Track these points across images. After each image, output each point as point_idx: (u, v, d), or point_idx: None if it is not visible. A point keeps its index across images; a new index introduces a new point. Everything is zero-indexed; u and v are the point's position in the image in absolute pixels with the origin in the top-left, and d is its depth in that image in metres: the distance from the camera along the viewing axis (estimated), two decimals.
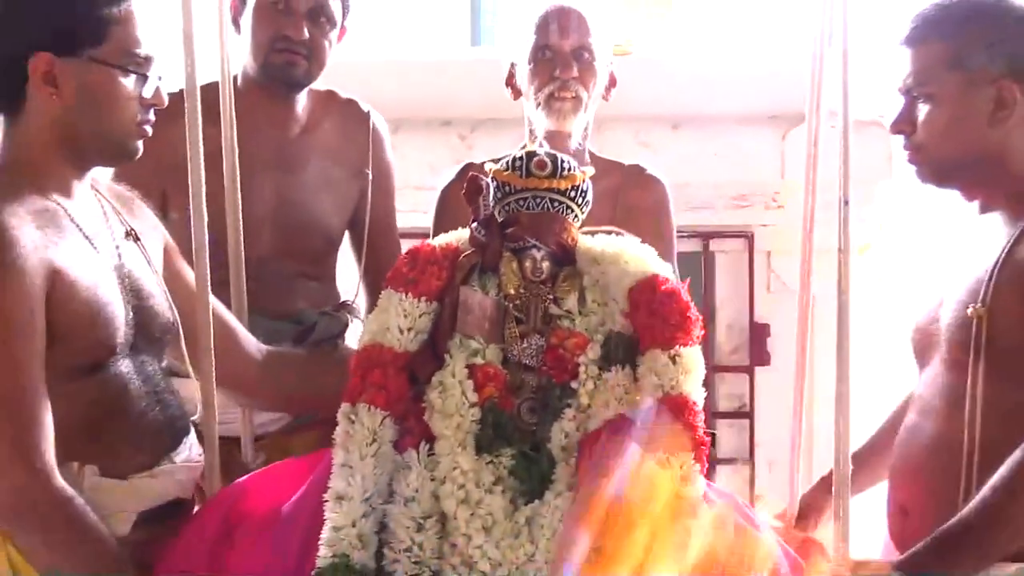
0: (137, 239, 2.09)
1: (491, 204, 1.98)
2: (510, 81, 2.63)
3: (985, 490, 1.91)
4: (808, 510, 2.29)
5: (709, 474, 1.88)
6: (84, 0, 1.96)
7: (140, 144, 2.04)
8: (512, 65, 2.63)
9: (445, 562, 1.80)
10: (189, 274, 2.14)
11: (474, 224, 1.99)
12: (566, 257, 1.97)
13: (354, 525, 1.80)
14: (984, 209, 2.11)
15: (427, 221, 2.67)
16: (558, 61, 2.52)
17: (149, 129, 2.04)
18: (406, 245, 2.77)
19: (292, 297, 2.73)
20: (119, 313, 1.98)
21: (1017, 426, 1.93)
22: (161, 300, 2.08)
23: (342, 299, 2.84)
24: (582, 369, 1.89)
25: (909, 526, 2.09)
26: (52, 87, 1.96)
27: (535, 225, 1.95)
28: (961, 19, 2.06)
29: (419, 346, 1.92)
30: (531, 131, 2.58)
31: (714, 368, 3.64)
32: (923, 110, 2.07)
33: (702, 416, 1.85)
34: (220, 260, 2.27)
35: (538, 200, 1.96)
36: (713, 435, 1.89)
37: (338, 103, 2.80)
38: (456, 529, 1.81)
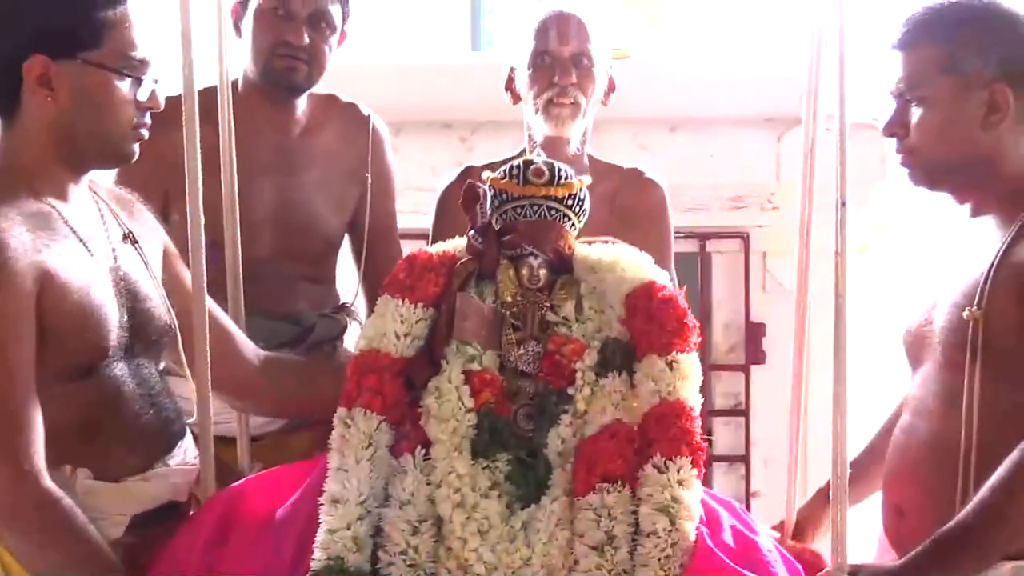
0: (135, 242, 2.05)
1: (488, 212, 1.95)
2: (509, 85, 2.60)
3: (983, 491, 1.88)
4: (805, 524, 2.26)
5: (706, 474, 1.84)
6: (80, 3, 1.93)
7: (136, 147, 2.01)
8: (511, 69, 2.59)
9: (440, 566, 1.77)
10: (188, 277, 2.09)
11: (471, 232, 1.95)
12: (563, 265, 1.93)
13: (349, 528, 1.77)
14: (976, 212, 2.08)
15: (428, 222, 2.64)
16: (557, 67, 2.49)
17: (145, 132, 2.00)
18: (407, 245, 2.79)
19: (291, 298, 2.70)
20: (112, 315, 1.94)
21: (1013, 427, 1.90)
22: (158, 303, 2.04)
23: (342, 301, 2.81)
24: (579, 375, 1.85)
25: (905, 526, 2.07)
26: (47, 90, 1.92)
27: (532, 233, 1.92)
28: (953, 23, 2.03)
29: (416, 352, 1.89)
30: (530, 136, 2.55)
31: (710, 367, 3.62)
32: (916, 113, 2.04)
33: (699, 422, 1.81)
34: (220, 262, 2.23)
35: (535, 208, 1.93)
36: (710, 441, 1.87)
37: (339, 107, 2.77)
38: (452, 532, 1.77)
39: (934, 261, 2.19)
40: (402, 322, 1.89)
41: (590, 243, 1.98)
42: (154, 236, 2.14)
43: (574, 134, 2.51)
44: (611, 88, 2.62)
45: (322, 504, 1.80)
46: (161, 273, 2.11)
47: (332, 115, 2.75)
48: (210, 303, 2.09)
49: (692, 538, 1.73)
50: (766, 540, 1.85)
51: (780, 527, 2.27)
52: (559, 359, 1.87)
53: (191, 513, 2.06)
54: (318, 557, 1.76)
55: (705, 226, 3.62)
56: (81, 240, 1.95)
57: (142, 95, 1.97)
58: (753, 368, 3.67)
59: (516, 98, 2.59)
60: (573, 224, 1.96)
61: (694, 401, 1.82)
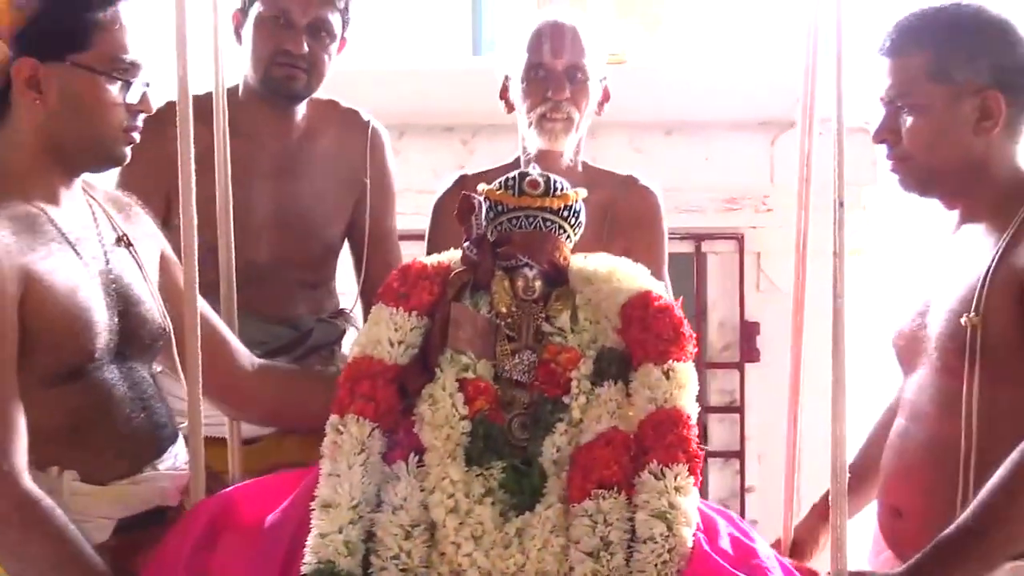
0: (129, 245, 2.00)
1: (484, 223, 1.90)
2: (504, 94, 2.54)
3: (984, 494, 1.85)
4: (803, 542, 2.20)
5: (702, 478, 1.78)
6: (68, 5, 1.88)
7: (127, 150, 1.96)
8: (506, 78, 2.53)
9: (433, 571, 1.71)
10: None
11: (466, 243, 1.91)
12: (559, 277, 1.89)
13: (341, 531, 1.71)
14: (965, 217, 2.05)
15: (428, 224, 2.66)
16: (551, 81, 2.43)
17: (136, 135, 1.95)
18: (409, 246, 2.76)
19: (290, 303, 2.66)
20: (101, 319, 1.89)
21: (1011, 429, 1.87)
22: (152, 306, 1.99)
23: (340, 306, 2.78)
24: (574, 384, 1.80)
25: (902, 527, 2.05)
26: (36, 92, 1.88)
27: (527, 243, 1.88)
28: (943, 30, 2.01)
29: (410, 360, 1.83)
30: (524, 147, 2.49)
31: (706, 365, 3.61)
32: (907, 120, 2.01)
33: (696, 430, 1.76)
34: (217, 267, 2.19)
35: (530, 219, 1.88)
36: (705, 443, 1.84)
37: (339, 112, 2.73)
38: (445, 537, 1.71)
39: (924, 264, 2.15)
40: (396, 329, 1.84)
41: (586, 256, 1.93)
42: (151, 239, 2.10)
43: (567, 147, 2.45)
44: (605, 98, 2.57)
45: (313, 509, 1.74)
46: (157, 276, 2.06)
47: (332, 121, 2.71)
48: (207, 308, 2.05)
49: (689, 544, 1.68)
50: (764, 547, 1.80)
51: (777, 545, 2.20)
52: (554, 368, 1.82)
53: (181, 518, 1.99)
54: (308, 561, 1.70)
55: (701, 227, 3.61)
56: (70, 243, 1.91)
57: (132, 98, 1.92)
58: (747, 366, 3.66)
59: (510, 107, 2.54)
60: (568, 236, 1.92)
61: (691, 409, 1.78)
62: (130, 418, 1.96)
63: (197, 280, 1.91)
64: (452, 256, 1.93)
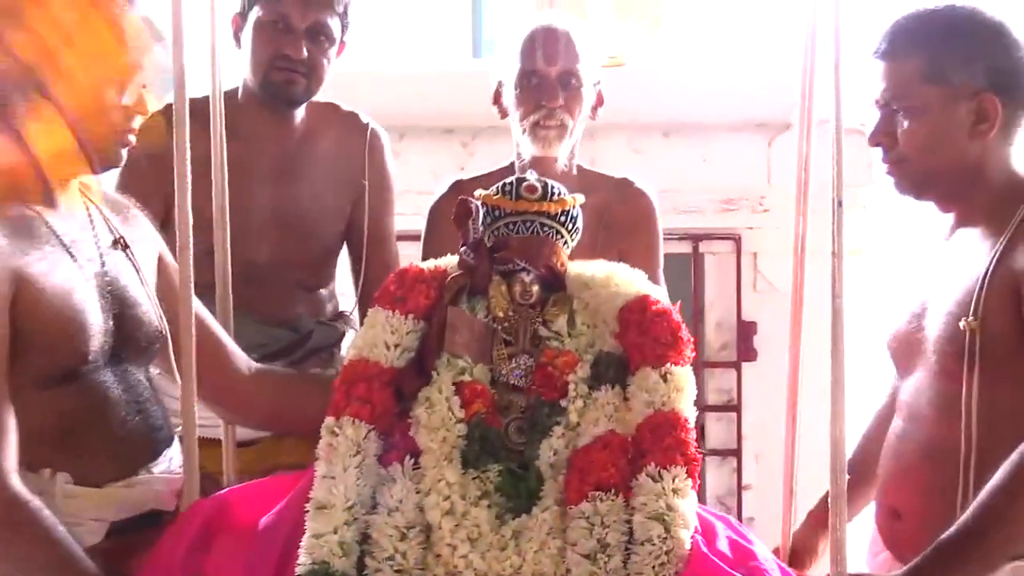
0: (126, 247, 1.96)
1: (480, 228, 1.86)
2: (497, 99, 2.49)
3: (984, 495, 1.80)
4: (801, 550, 2.15)
5: (700, 480, 1.75)
6: None
7: (124, 152, 1.92)
8: (499, 84, 2.48)
9: (428, 572, 1.66)
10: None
11: (463, 248, 1.86)
12: (556, 282, 1.84)
13: (336, 532, 1.66)
14: (960, 220, 2.02)
15: None
16: (544, 89, 2.38)
17: (132, 137, 1.91)
18: (409, 247, 2.76)
19: (290, 305, 2.62)
20: (95, 322, 1.85)
21: (1011, 431, 1.83)
22: (148, 309, 1.95)
23: (341, 309, 2.74)
24: (571, 387, 1.76)
25: (901, 528, 2.01)
26: None
27: (524, 248, 1.83)
28: (939, 32, 1.97)
29: (406, 363, 1.79)
30: (519, 153, 2.45)
31: (703, 364, 3.60)
32: (903, 123, 1.97)
33: (694, 434, 1.72)
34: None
35: (528, 224, 1.84)
36: (701, 445, 1.81)
37: (339, 115, 2.69)
38: (441, 539, 1.67)
39: (919, 266, 2.11)
40: (392, 332, 1.80)
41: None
42: (149, 242, 2.05)
43: (561, 154, 2.41)
44: (599, 102, 2.52)
45: (308, 511, 1.70)
46: (155, 279, 2.02)
47: (332, 123, 2.67)
48: (204, 312, 2.01)
49: (687, 546, 1.64)
50: (763, 550, 1.76)
51: (776, 553, 2.10)
52: (551, 371, 1.78)
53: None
54: (303, 562, 1.65)
55: (698, 228, 3.59)
56: (64, 246, 1.87)
57: (127, 99, 1.88)
58: (744, 365, 3.63)
59: (504, 113, 2.49)
60: (566, 242, 1.87)
61: (689, 413, 1.73)
62: (125, 421, 1.91)
63: (192, 282, 1.87)
64: (449, 261, 1.89)
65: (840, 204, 1.79)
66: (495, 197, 1.87)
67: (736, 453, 3.65)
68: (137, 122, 1.91)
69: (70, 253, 1.88)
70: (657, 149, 3.58)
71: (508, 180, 1.88)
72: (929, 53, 1.97)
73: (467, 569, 1.66)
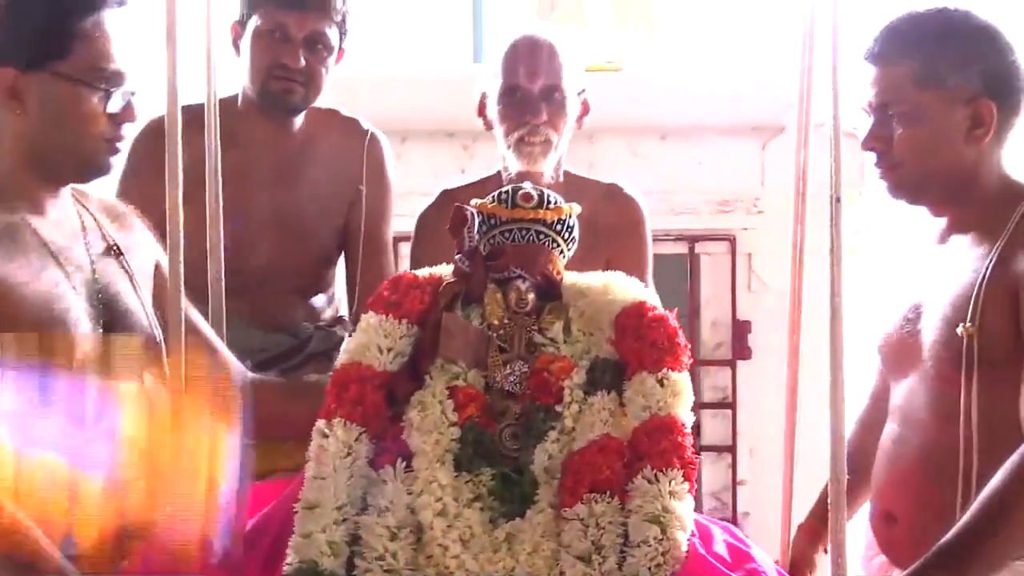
0: (119, 254, 1.90)
1: (476, 237, 1.81)
2: (481, 111, 2.45)
3: (984, 496, 1.76)
4: (800, 563, 2.09)
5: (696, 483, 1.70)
6: (48, 14, 1.78)
7: (112, 160, 1.86)
8: (483, 95, 2.43)
9: (419, 573, 1.60)
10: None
11: (458, 255, 1.81)
12: (552, 290, 1.79)
13: (324, 531, 1.60)
14: (953, 225, 1.97)
15: None
16: (527, 105, 2.32)
17: (121, 145, 1.85)
18: (408, 250, 2.78)
19: (288, 310, 2.58)
20: (83, 329, 1.79)
21: (1008, 434, 1.79)
22: (141, 316, 1.89)
23: (340, 314, 2.69)
24: (567, 392, 1.71)
25: (897, 533, 1.96)
26: (17, 102, 1.79)
27: (520, 256, 1.78)
28: (935, 37, 1.92)
29: (399, 367, 1.73)
30: (505, 166, 2.40)
31: (699, 362, 3.60)
32: (898, 128, 1.92)
33: (691, 439, 1.67)
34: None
35: (523, 232, 1.79)
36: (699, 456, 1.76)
37: (339, 121, 2.64)
38: (433, 540, 1.60)
39: (912, 268, 2.07)
40: (386, 336, 1.74)
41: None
42: (146, 249, 1.99)
43: (547, 168, 2.35)
44: (585, 111, 2.45)
45: (297, 511, 1.63)
46: (152, 286, 1.96)
47: (331, 129, 2.63)
48: (200, 321, 1.97)
49: (684, 548, 1.58)
50: (761, 554, 1.71)
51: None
52: (547, 376, 1.73)
53: None
54: (290, 561, 1.58)
55: (694, 229, 3.56)
56: (52, 253, 1.81)
57: (113, 107, 1.82)
58: (739, 363, 3.59)
59: (488, 125, 2.43)
60: (562, 250, 1.82)
61: (686, 418, 1.68)
62: None
63: (183, 290, 1.79)
64: (444, 269, 1.84)
65: (838, 201, 1.74)
66: (491, 205, 1.82)
67: (731, 449, 3.62)
68: (126, 130, 1.86)
69: (57, 260, 1.82)
70: (654, 152, 3.55)
71: (504, 189, 1.84)
72: (924, 57, 1.92)
73: (459, 570, 1.60)
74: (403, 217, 2.82)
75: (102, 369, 1.86)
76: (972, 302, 1.86)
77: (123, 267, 1.91)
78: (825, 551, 2.09)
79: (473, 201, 1.85)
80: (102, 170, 1.89)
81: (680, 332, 1.75)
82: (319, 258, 2.65)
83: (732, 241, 3.60)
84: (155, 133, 1.94)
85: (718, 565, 1.62)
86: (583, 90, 2.44)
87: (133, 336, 1.90)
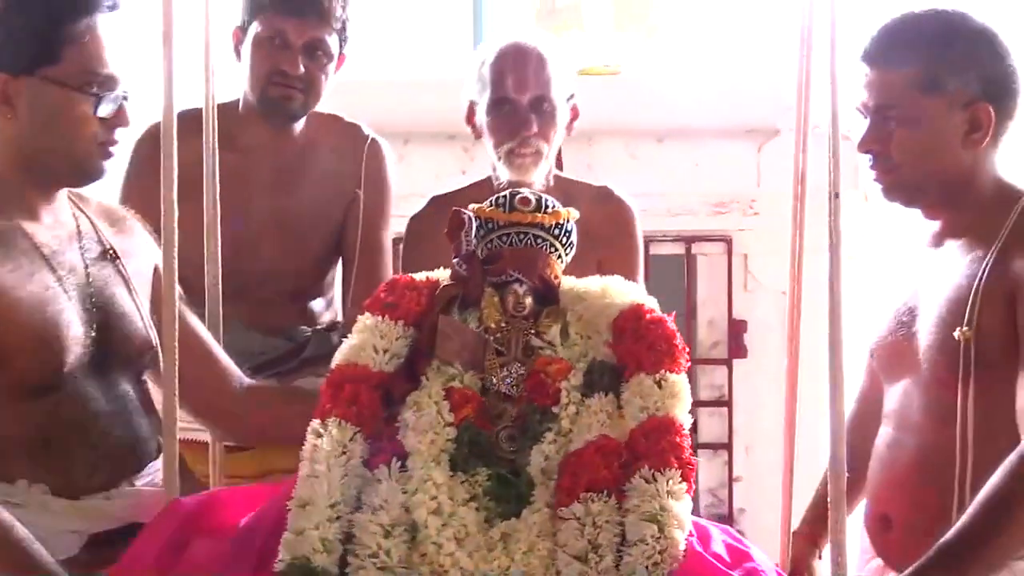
0: (115, 258, 1.85)
1: (474, 241, 1.75)
2: (470, 120, 2.38)
3: (984, 496, 1.70)
4: (799, 569, 2.02)
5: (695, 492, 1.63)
6: (38, 19, 1.73)
7: (105, 164, 1.81)
8: (471, 103, 2.36)
9: (413, 571, 1.52)
10: (182, 296, 1.89)
11: (455, 259, 1.75)
12: (550, 294, 1.73)
13: (317, 528, 1.52)
14: (947, 228, 1.92)
15: None
16: (517, 117, 2.25)
17: (114, 149, 1.80)
18: None
19: (287, 314, 2.53)
20: (74, 333, 1.75)
21: (1003, 438, 1.74)
22: (136, 320, 1.84)
23: (337, 318, 2.64)
24: (564, 394, 1.64)
25: (893, 537, 1.91)
26: (7, 107, 1.74)
27: (518, 259, 1.72)
28: (933, 40, 1.86)
29: (395, 369, 1.67)
30: (496, 175, 2.33)
31: (695, 361, 3.59)
32: (896, 131, 1.87)
33: (689, 440, 1.60)
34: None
35: (521, 236, 1.73)
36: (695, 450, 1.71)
37: (340, 126, 2.59)
38: (427, 538, 1.53)
39: (905, 271, 2.02)
40: (382, 337, 1.68)
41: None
42: (146, 253, 1.93)
43: (537, 177, 2.28)
44: (574, 117, 2.38)
45: (290, 509, 1.56)
46: (150, 290, 1.91)
47: (332, 134, 2.57)
48: (198, 326, 1.92)
49: (682, 547, 1.51)
50: (760, 555, 1.64)
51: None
52: (543, 378, 1.66)
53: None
54: (282, 558, 1.50)
55: (691, 230, 3.54)
56: (44, 257, 1.77)
57: (104, 112, 1.77)
58: (735, 362, 3.57)
59: (478, 133, 2.36)
60: (560, 255, 1.77)
61: (684, 419, 1.61)
62: (107, 432, 1.80)
63: (176, 292, 1.76)
64: (441, 274, 1.78)
65: (837, 196, 1.68)
66: (488, 209, 1.76)
67: (727, 447, 3.60)
68: (119, 134, 1.81)
69: (49, 264, 1.78)
70: (651, 154, 3.52)
71: (502, 193, 1.78)
72: (924, 62, 1.87)
73: (453, 568, 1.53)
74: (404, 218, 2.79)
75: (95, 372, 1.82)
76: (969, 305, 1.81)
77: (119, 271, 1.86)
78: (820, 557, 2.06)
79: (472, 205, 1.80)
80: (95, 174, 1.84)
81: (678, 335, 1.69)
82: (318, 262, 2.59)
83: (728, 242, 3.58)
84: (156, 137, 1.85)
85: (717, 564, 1.56)
86: (572, 95, 2.37)
87: (128, 339, 1.86)
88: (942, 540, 1.73)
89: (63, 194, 1.87)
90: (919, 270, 1.98)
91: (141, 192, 2.15)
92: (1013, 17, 2.43)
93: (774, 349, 3.50)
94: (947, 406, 1.84)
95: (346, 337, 1.73)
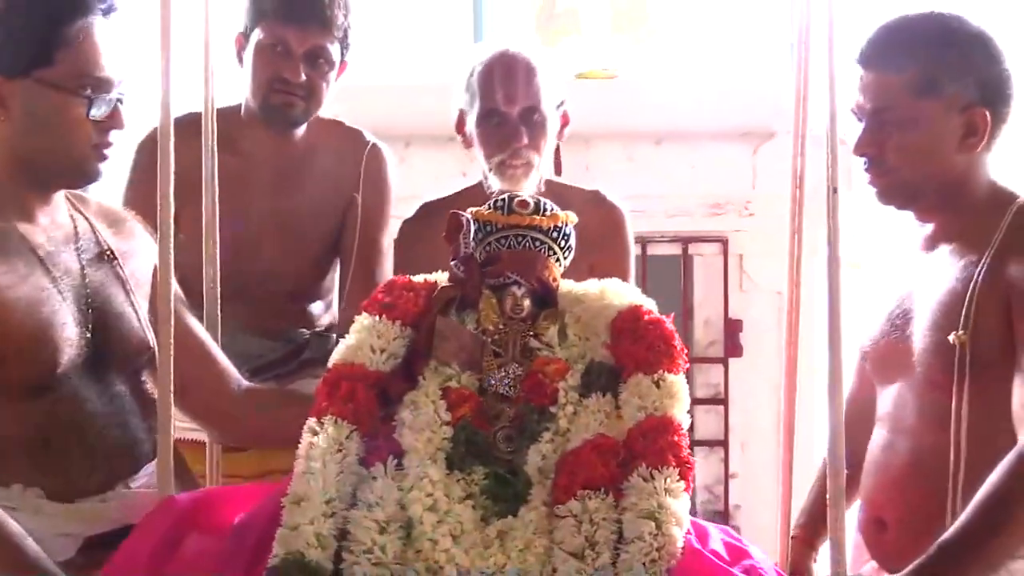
0: (113, 259, 1.82)
1: (472, 245, 1.71)
2: (460, 128, 2.33)
3: (982, 496, 1.67)
4: (798, 572, 1.97)
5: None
6: (32, 22, 1.70)
7: (100, 166, 1.77)
8: (461, 112, 2.31)
9: (408, 567, 1.48)
10: (181, 298, 1.87)
11: (453, 262, 1.71)
12: (548, 296, 1.69)
13: (312, 523, 1.48)
14: (941, 231, 1.89)
15: None
16: (507, 128, 2.20)
17: (109, 152, 1.77)
18: None
19: (286, 316, 2.50)
20: (68, 334, 1.71)
21: (998, 441, 1.70)
22: (133, 320, 1.81)
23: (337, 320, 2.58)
24: (561, 394, 1.60)
25: (888, 539, 1.87)
26: (2, 108, 1.71)
27: (516, 261, 1.68)
28: (931, 44, 1.83)
29: (392, 368, 1.64)
30: (487, 184, 2.28)
31: (692, 360, 3.57)
32: (892, 134, 1.83)
33: (688, 440, 1.56)
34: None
35: (519, 238, 1.69)
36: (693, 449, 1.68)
37: (341, 131, 2.56)
38: (422, 534, 1.49)
39: (898, 274, 1.98)
40: (379, 337, 1.64)
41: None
42: (146, 254, 1.89)
43: (528, 187, 2.22)
44: (565, 123, 2.33)
45: (284, 505, 1.51)
46: (150, 291, 1.88)
47: (333, 139, 2.54)
48: (198, 327, 1.89)
49: (680, 544, 1.47)
50: (759, 553, 1.59)
51: None
52: (541, 378, 1.62)
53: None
54: (276, 553, 1.46)
55: (687, 231, 3.53)
56: (39, 258, 1.74)
57: (97, 114, 1.73)
58: (731, 361, 3.56)
59: (468, 143, 2.31)
60: (558, 258, 1.73)
61: (682, 419, 1.57)
62: (102, 434, 1.76)
63: (172, 294, 1.71)
64: (439, 276, 1.74)
65: (835, 191, 1.63)
66: (487, 212, 1.72)
67: (723, 444, 3.59)
68: (114, 136, 1.77)
69: (45, 266, 1.75)
70: (649, 157, 3.51)
71: (500, 198, 1.75)
72: (921, 66, 1.83)
73: (448, 564, 1.48)
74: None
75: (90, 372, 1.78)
76: (964, 309, 1.78)
77: (117, 272, 1.83)
78: (816, 560, 2.03)
79: (470, 209, 1.76)
80: (91, 176, 1.81)
81: (677, 336, 1.66)
82: (317, 263, 2.56)
83: (724, 243, 3.57)
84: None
85: (715, 560, 1.52)
86: (562, 102, 2.32)
87: (125, 340, 1.82)
88: (940, 539, 1.70)
89: (60, 196, 1.83)
90: (912, 273, 1.94)
91: (144, 195, 2.12)
92: (1008, 21, 2.40)
93: (769, 348, 3.49)
94: (941, 409, 1.81)
95: (342, 337, 1.70)
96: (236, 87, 2.49)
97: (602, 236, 2.27)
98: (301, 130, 2.51)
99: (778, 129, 3.39)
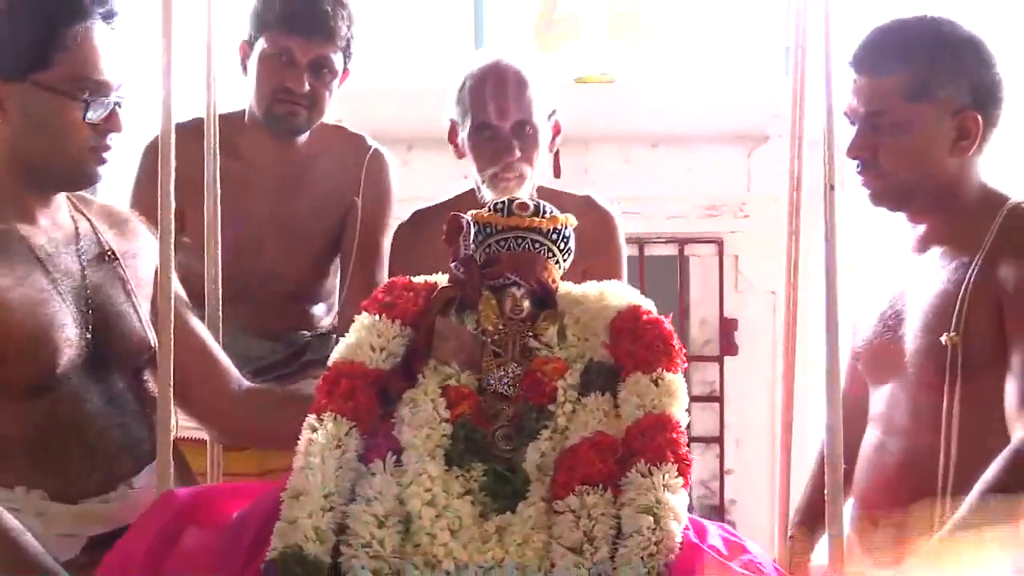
0: (114, 259, 1.79)
1: (472, 247, 1.69)
2: (453, 139, 2.29)
3: (978, 492, 1.64)
4: (797, 573, 1.92)
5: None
6: (29, 24, 1.67)
7: (99, 169, 1.74)
8: (453, 123, 2.27)
9: (406, 562, 1.45)
10: (183, 298, 1.85)
11: (453, 263, 1.69)
12: (547, 297, 1.66)
13: (310, 517, 1.45)
14: (932, 233, 1.87)
15: None
16: (499, 142, 2.16)
17: (107, 155, 1.73)
18: None
19: (288, 318, 2.48)
20: (68, 334, 1.69)
21: (989, 442, 1.68)
22: (134, 320, 1.78)
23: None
24: (560, 392, 1.57)
25: (881, 538, 1.83)
26: (0, 111, 1.69)
27: (515, 262, 1.66)
28: (923, 48, 1.80)
29: (391, 367, 1.61)
30: (480, 195, 2.24)
31: (688, 358, 3.57)
32: (885, 138, 1.81)
33: (686, 438, 1.54)
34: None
35: (519, 240, 1.67)
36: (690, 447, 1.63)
37: (344, 136, 2.53)
38: (421, 529, 1.46)
39: (889, 275, 1.96)
40: (379, 336, 1.61)
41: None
42: (148, 255, 1.85)
43: (521, 196, 2.10)
44: (556, 132, 2.28)
45: (283, 500, 1.48)
46: (152, 292, 1.84)
47: (335, 144, 2.51)
48: (200, 328, 1.86)
49: (678, 539, 1.45)
50: (757, 548, 1.57)
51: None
52: (540, 377, 1.59)
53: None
54: (274, 546, 1.43)
55: (683, 232, 3.53)
56: (39, 259, 1.71)
57: (93, 117, 1.70)
58: (726, 359, 3.57)
59: (460, 153, 2.27)
60: (558, 261, 1.70)
61: (681, 418, 1.55)
62: (103, 434, 1.73)
63: (172, 293, 1.68)
64: (439, 278, 1.72)
65: (832, 187, 1.60)
66: (486, 215, 1.69)
67: (719, 440, 3.59)
68: (112, 140, 1.74)
69: (44, 267, 1.72)
70: (645, 159, 3.51)
71: (499, 200, 1.72)
72: (915, 70, 1.81)
73: (447, 558, 1.45)
74: None
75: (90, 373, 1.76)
76: (955, 310, 1.76)
77: (117, 272, 1.80)
78: (811, 560, 2.01)
79: (470, 212, 1.73)
80: (89, 179, 1.77)
81: (675, 335, 1.63)
82: (318, 264, 2.54)
83: (720, 244, 3.58)
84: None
85: (714, 555, 1.50)
86: (553, 112, 2.28)
87: (125, 339, 1.80)
88: (936, 536, 1.67)
89: (62, 197, 1.80)
90: (904, 274, 1.92)
91: (150, 197, 2.09)
92: (1001, 25, 2.39)
93: (764, 347, 3.49)
94: (933, 409, 1.79)
95: (342, 337, 1.67)
96: (238, 93, 2.46)
97: (595, 241, 2.22)
98: (304, 136, 2.48)
99: (772, 132, 3.39)
